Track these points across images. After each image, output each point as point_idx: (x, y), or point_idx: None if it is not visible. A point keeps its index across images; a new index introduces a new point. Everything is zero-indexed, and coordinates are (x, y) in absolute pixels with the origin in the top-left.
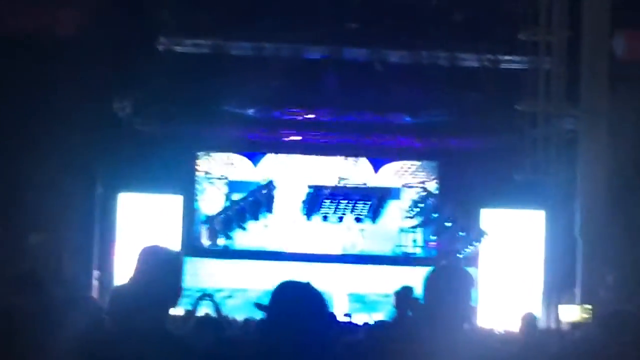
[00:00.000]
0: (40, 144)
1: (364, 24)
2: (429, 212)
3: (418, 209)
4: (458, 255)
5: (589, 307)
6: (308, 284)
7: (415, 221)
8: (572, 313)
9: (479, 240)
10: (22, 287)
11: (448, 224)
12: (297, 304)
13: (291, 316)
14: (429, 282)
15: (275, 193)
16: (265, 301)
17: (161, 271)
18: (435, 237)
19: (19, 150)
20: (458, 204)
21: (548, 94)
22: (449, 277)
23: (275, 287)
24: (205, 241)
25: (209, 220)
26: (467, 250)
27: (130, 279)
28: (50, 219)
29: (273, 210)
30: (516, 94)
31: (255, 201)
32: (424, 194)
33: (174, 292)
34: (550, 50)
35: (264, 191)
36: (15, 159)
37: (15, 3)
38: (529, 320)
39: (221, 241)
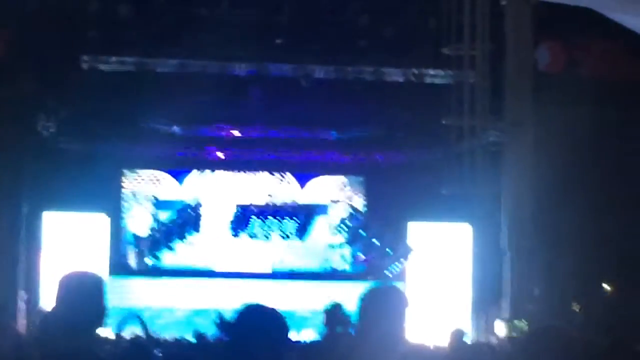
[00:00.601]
0: None
1: (289, 39)
2: (356, 229)
3: (345, 227)
4: (385, 272)
5: (525, 322)
6: (273, 309)
7: (342, 238)
8: (507, 328)
9: (405, 257)
10: None
11: (375, 242)
12: (261, 327)
13: (254, 339)
14: (365, 301)
15: (202, 212)
16: (226, 321)
17: (82, 295)
18: (362, 255)
19: None
20: (385, 222)
21: (473, 108)
22: (384, 297)
23: (239, 309)
24: (133, 262)
25: (136, 242)
26: (394, 267)
27: (54, 306)
28: None
29: (200, 229)
30: (441, 108)
31: (182, 221)
32: (351, 211)
33: (98, 315)
34: (474, 63)
35: (190, 211)
36: None
37: None
38: (458, 336)
39: (149, 261)
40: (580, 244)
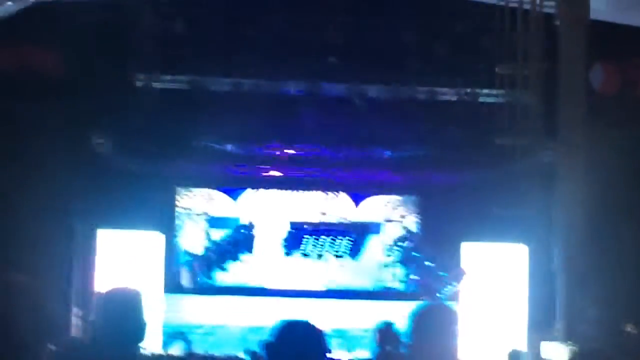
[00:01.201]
0: (19, 182)
1: (342, 58)
2: (409, 249)
3: (398, 247)
4: (438, 294)
5: (573, 345)
6: (308, 322)
7: (395, 258)
8: (554, 351)
9: (458, 280)
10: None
11: (428, 263)
12: (299, 343)
13: (293, 355)
14: (416, 319)
15: (255, 233)
16: (268, 340)
17: (120, 311)
18: (415, 276)
19: None
20: (439, 242)
21: (526, 128)
22: (435, 315)
23: (276, 326)
24: (186, 281)
25: (190, 260)
26: (447, 289)
27: (93, 322)
28: (29, 257)
29: (253, 251)
30: (495, 127)
31: (236, 242)
32: (404, 231)
33: (137, 330)
34: (528, 83)
35: (244, 231)
36: None
37: None
38: (515, 357)
39: (202, 280)
40: (635, 265)
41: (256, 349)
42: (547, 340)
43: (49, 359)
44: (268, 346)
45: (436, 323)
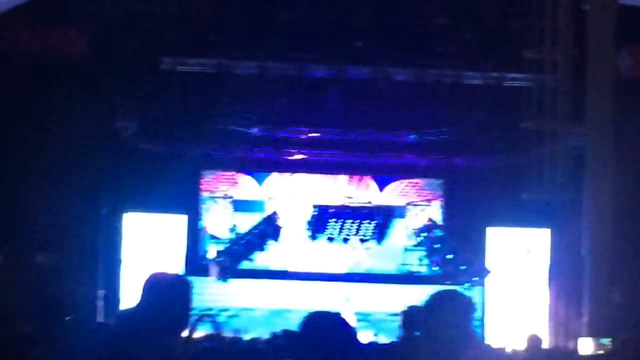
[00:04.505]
0: (45, 165)
1: (368, 42)
2: (433, 235)
3: (423, 231)
4: (463, 278)
5: (609, 340)
6: (339, 314)
7: (420, 242)
8: (592, 346)
9: (482, 277)
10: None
11: (453, 248)
12: (327, 336)
13: (320, 348)
14: (430, 305)
15: (281, 218)
16: (295, 329)
17: (168, 298)
18: (439, 262)
19: (24, 171)
20: (463, 228)
21: (553, 112)
22: (449, 302)
23: (304, 317)
24: (214, 276)
25: (215, 244)
26: (468, 283)
27: (137, 305)
28: (56, 239)
29: (279, 239)
30: (522, 112)
31: (262, 233)
32: (429, 215)
33: (182, 318)
34: (556, 67)
35: (271, 222)
36: (19, 180)
37: (18, 25)
38: (535, 342)
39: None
40: None
41: (280, 331)
42: (569, 325)
43: (91, 339)
44: (295, 335)
45: (451, 309)
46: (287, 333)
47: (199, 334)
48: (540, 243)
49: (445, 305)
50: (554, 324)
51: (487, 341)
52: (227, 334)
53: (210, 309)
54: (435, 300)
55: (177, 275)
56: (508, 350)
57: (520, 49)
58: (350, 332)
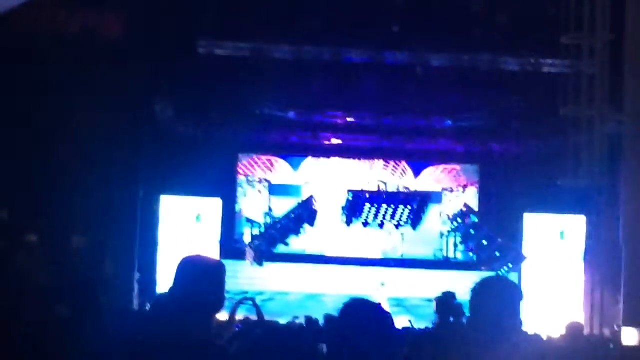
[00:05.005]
0: (83, 147)
1: (405, 27)
2: (469, 221)
3: (458, 217)
4: (498, 264)
5: None
6: (378, 304)
7: (455, 228)
8: (637, 336)
9: (517, 264)
10: (78, 295)
11: (489, 234)
12: (365, 321)
13: (359, 333)
14: (477, 292)
15: (317, 207)
16: (331, 314)
17: (202, 281)
18: (474, 248)
19: (62, 154)
20: (499, 214)
21: (591, 98)
22: (497, 288)
23: (344, 303)
24: (250, 261)
25: (250, 228)
26: (503, 269)
27: (171, 288)
28: (93, 222)
29: (315, 224)
30: (559, 98)
31: (298, 217)
32: (465, 201)
33: (216, 301)
34: (594, 53)
35: (306, 207)
36: (58, 162)
37: (56, 7)
38: (575, 329)
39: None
40: None
41: (315, 315)
42: (606, 312)
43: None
44: (333, 320)
45: (497, 296)
46: (326, 317)
47: (238, 317)
48: (576, 229)
49: (494, 292)
50: (589, 311)
51: (523, 328)
52: (265, 317)
53: (246, 293)
54: (483, 287)
55: (210, 259)
56: (545, 337)
57: (558, 34)
58: (388, 318)
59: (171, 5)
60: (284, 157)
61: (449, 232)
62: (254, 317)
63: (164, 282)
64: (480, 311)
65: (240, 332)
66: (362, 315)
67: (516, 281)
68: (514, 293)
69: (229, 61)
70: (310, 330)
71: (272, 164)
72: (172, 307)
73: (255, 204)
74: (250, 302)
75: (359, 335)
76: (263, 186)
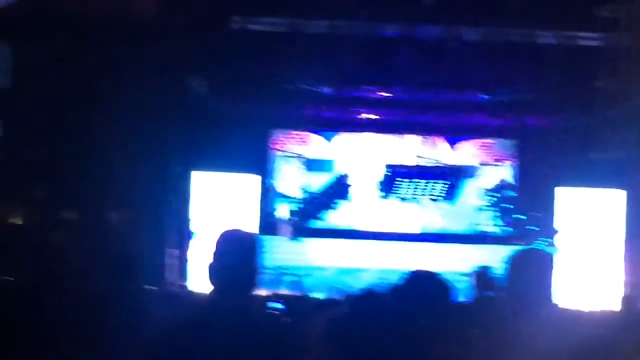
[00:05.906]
0: (116, 123)
1: (438, 0)
2: (505, 195)
3: (494, 192)
4: (533, 238)
5: None
6: (439, 275)
7: (491, 203)
8: None
9: (550, 237)
10: (120, 271)
11: (525, 208)
12: (427, 293)
13: (417, 304)
14: (512, 264)
15: (351, 179)
16: (395, 286)
17: (239, 254)
18: (510, 222)
19: (94, 130)
20: (535, 188)
21: (627, 72)
22: (532, 260)
23: (408, 274)
24: (285, 235)
25: (285, 203)
26: (542, 234)
27: (210, 263)
28: (125, 197)
29: (349, 197)
30: (594, 71)
31: (333, 192)
32: (501, 175)
33: (254, 274)
34: (630, 26)
35: (341, 182)
36: (90, 138)
37: None
38: (630, 302)
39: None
40: None
41: (351, 290)
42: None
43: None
44: (395, 290)
45: (533, 268)
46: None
47: (281, 292)
48: (613, 204)
49: (524, 263)
50: (630, 287)
51: (559, 302)
52: (302, 292)
53: (287, 268)
54: (514, 258)
55: (247, 232)
56: (581, 310)
57: (594, 6)
58: (452, 291)
59: None
60: (318, 132)
61: (485, 206)
62: (297, 293)
63: (196, 258)
64: (514, 281)
65: (286, 309)
66: (428, 287)
67: (553, 255)
68: (545, 262)
69: (261, 36)
70: (348, 305)
71: (306, 139)
72: (211, 280)
73: (290, 179)
74: (295, 277)
75: (425, 306)
76: (297, 161)
